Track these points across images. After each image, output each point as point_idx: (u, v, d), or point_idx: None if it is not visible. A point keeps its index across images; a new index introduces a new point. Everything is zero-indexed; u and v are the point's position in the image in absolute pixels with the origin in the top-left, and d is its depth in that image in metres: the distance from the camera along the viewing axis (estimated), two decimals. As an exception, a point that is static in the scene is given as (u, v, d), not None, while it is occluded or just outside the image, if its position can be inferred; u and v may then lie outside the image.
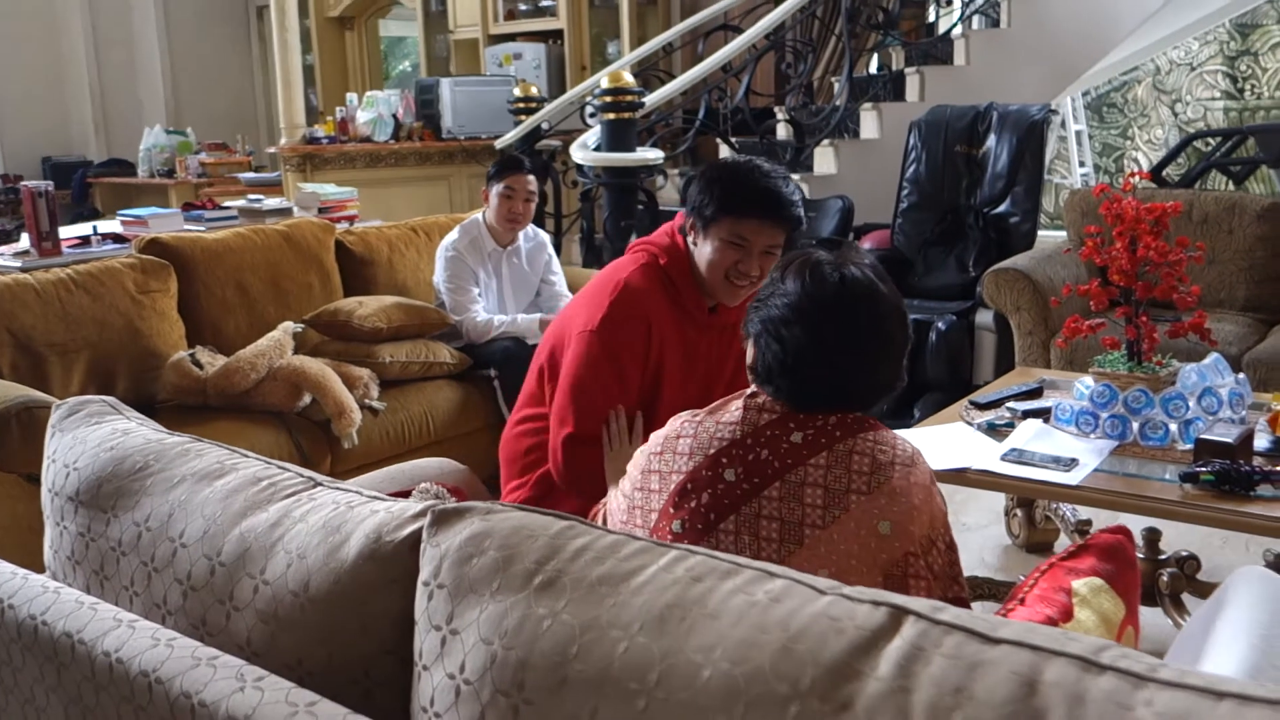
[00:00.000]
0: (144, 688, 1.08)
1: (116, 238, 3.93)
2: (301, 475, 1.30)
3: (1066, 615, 1.12)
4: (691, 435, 1.52)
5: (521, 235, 3.81)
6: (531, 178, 3.72)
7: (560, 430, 2.11)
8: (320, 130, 6.59)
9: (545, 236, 3.97)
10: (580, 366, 2.10)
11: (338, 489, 1.26)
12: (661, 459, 1.53)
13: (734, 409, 1.53)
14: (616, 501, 1.63)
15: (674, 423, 1.57)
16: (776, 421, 1.48)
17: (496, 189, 3.67)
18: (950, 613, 0.85)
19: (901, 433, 2.55)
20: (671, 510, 1.47)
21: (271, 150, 7.42)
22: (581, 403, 2.09)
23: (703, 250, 2.11)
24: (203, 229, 3.94)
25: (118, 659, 1.12)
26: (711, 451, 1.48)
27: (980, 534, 3.29)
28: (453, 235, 3.76)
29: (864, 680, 0.81)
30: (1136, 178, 2.68)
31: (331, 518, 1.18)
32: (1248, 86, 8.51)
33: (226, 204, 4.61)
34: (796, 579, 0.92)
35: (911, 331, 1.56)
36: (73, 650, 1.17)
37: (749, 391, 1.54)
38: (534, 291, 3.89)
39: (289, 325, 3.33)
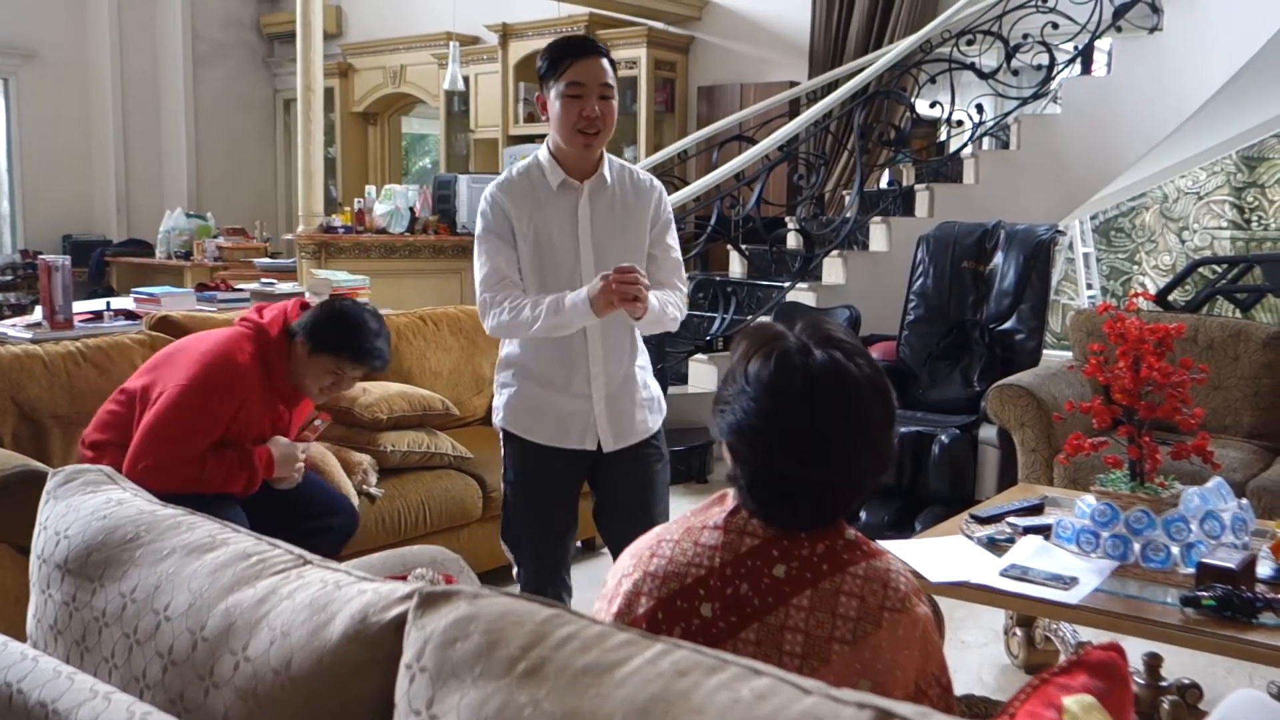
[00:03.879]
0: (115, 762, 1.06)
1: (129, 314, 3.97)
2: (292, 553, 1.29)
3: (1059, 731, 1.10)
4: (667, 557, 1.42)
5: (609, 164, 2.53)
6: (607, 63, 2.43)
7: (137, 463, 2.60)
8: (338, 220, 6.69)
9: (659, 185, 2.63)
10: (169, 416, 2.64)
11: (327, 568, 1.25)
12: (633, 580, 1.43)
13: (713, 528, 1.42)
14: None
15: (648, 539, 1.47)
16: (758, 549, 1.38)
17: (556, 89, 2.41)
18: (936, 718, 0.84)
19: (900, 545, 2.54)
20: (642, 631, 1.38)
21: (288, 237, 7.52)
22: (160, 449, 2.62)
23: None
24: (214, 310, 3.98)
25: (91, 731, 1.10)
26: (689, 581, 1.38)
27: (979, 653, 3.23)
28: (502, 174, 2.58)
29: (847, 784, 0.80)
30: (1141, 298, 2.70)
31: (319, 596, 1.17)
32: (1254, 217, 8.63)
33: (239, 286, 4.66)
34: (782, 678, 0.91)
35: (895, 402, 1.41)
36: (46, 721, 1.15)
37: (730, 508, 1.43)
38: (641, 254, 2.52)
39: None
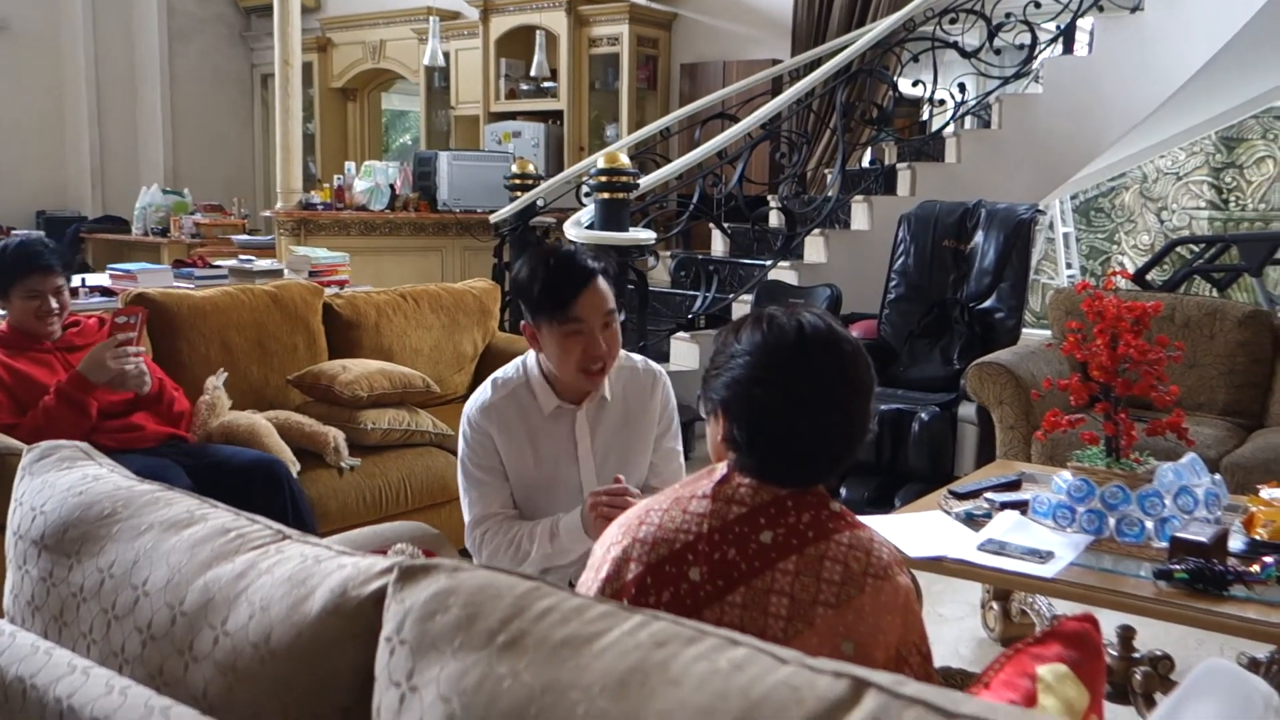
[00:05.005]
0: (94, 735, 1.06)
1: (105, 290, 3.94)
2: (271, 528, 1.29)
3: (1030, 701, 1.11)
4: (656, 525, 1.44)
5: (610, 376, 2.25)
6: (604, 284, 2.16)
7: None
8: (317, 197, 6.65)
9: (660, 372, 2.36)
10: None
11: (307, 543, 1.25)
12: (622, 546, 1.45)
13: (701, 496, 1.44)
14: (585, 588, 1.59)
15: (635, 509, 1.50)
16: (746, 516, 1.41)
17: (550, 328, 2.15)
18: (912, 687, 0.85)
19: (879, 520, 2.56)
20: (627, 603, 1.40)
21: (267, 214, 7.48)
22: None
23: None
24: (192, 286, 3.96)
25: (69, 706, 1.10)
26: (677, 546, 1.41)
27: (956, 626, 3.26)
28: (481, 393, 2.31)
29: (822, 752, 0.80)
30: (1119, 276, 2.72)
31: (298, 570, 1.17)
32: (1232, 197, 8.68)
33: (217, 263, 4.64)
34: (760, 648, 0.92)
35: (875, 374, 1.47)
36: (24, 695, 1.15)
37: (719, 478, 1.46)
38: (645, 464, 2.35)
39: (212, 381, 3.29)
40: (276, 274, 4.42)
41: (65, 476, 1.43)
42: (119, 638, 1.23)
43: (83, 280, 4.12)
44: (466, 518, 2.30)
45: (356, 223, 6.57)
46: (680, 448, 2.39)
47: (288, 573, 1.17)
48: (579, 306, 2.10)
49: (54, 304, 2.95)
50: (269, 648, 1.11)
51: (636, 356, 2.36)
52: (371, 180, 6.73)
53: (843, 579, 1.35)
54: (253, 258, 4.75)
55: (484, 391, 2.28)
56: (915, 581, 2.60)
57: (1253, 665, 2.35)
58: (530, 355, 2.26)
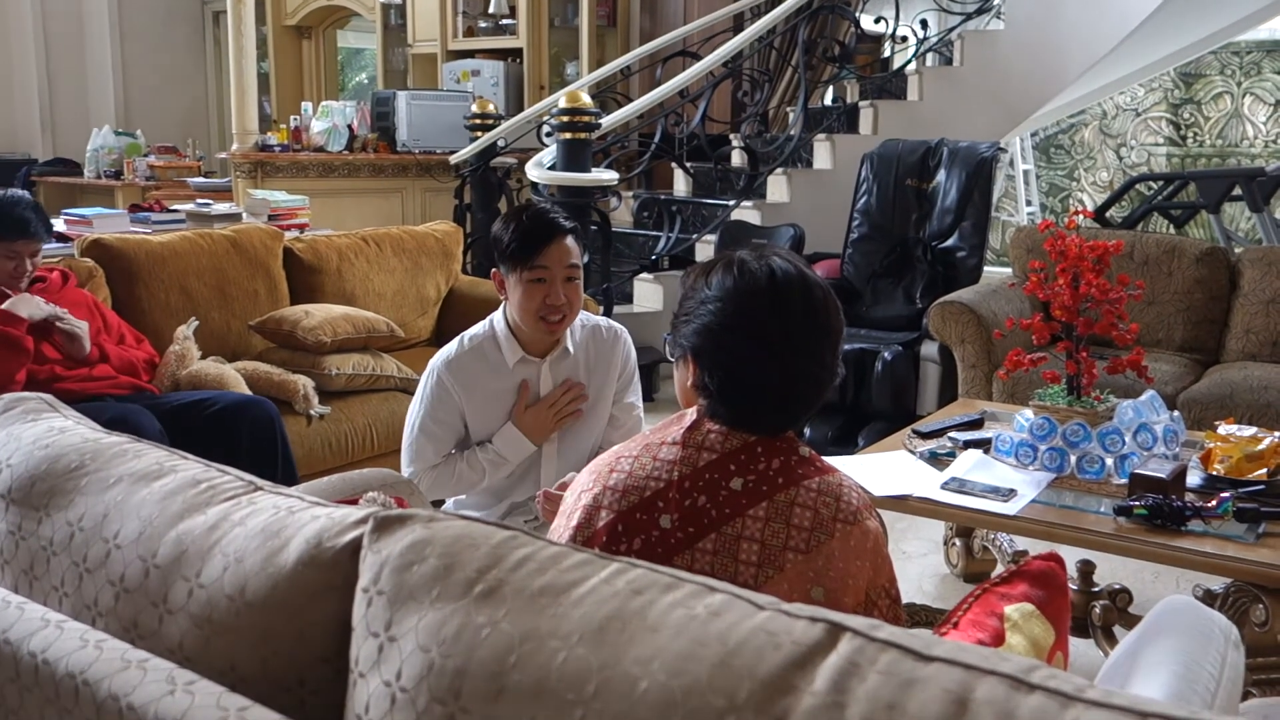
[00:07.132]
0: (70, 690, 1.06)
1: (60, 236, 3.87)
2: (242, 479, 1.29)
3: (998, 639, 1.14)
4: (626, 472, 1.45)
5: (570, 332, 2.40)
6: (572, 242, 2.30)
7: None
8: (273, 138, 6.54)
9: (621, 330, 2.49)
10: None
11: (279, 494, 1.25)
12: (593, 494, 1.46)
13: (671, 443, 1.45)
14: (557, 535, 1.60)
15: (606, 457, 1.51)
16: (716, 463, 1.41)
17: (517, 274, 2.28)
18: (886, 630, 0.86)
19: (844, 460, 2.59)
20: (598, 551, 1.41)
21: (222, 156, 7.34)
22: None
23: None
24: (149, 231, 3.89)
25: (44, 660, 1.10)
26: (648, 494, 1.42)
27: (919, 562, 3.32)
28: (448, 348, 2.40)
29: (799, 695, 0.82)
30: (1080, 216, 2.74)
31: (271, 522, 1.16)
32: (1190, 133, 8.73)
33: (174, 207, 4.56)
34: (736, 594, 0.93)
35: (844, 317, 1.48)
36: (-3, 650, 1.14)
37: (689, 424, 1.46)
38: (605, 420, 2.46)
39: (182, 330, 3.27)
40: (235, 218, 4.35)
41: (31, 429, 1.41)
42: (91, 591, 1.22)
43: (36, 226, 4.03)
44: (405, 459, 2.37)
45: (315, 164, 6.48)
46: (640, 402, 2.51)
47: (261, 524, 1.17)
48: (545, 255, 2.25)
49: (29, 265, 2.97)
50: (244, 600, 1.11)
51: (601, 317, 2.53)
52: (329, 121, 6.62)
53: (812, 525, 1.36)
54: (210, 201, 4.67)
55: (452, 347, 2.39)
56: (882, 522, 2.65)
57: (1208, 598, 2.41)
58: (499, 313, 2.39)
